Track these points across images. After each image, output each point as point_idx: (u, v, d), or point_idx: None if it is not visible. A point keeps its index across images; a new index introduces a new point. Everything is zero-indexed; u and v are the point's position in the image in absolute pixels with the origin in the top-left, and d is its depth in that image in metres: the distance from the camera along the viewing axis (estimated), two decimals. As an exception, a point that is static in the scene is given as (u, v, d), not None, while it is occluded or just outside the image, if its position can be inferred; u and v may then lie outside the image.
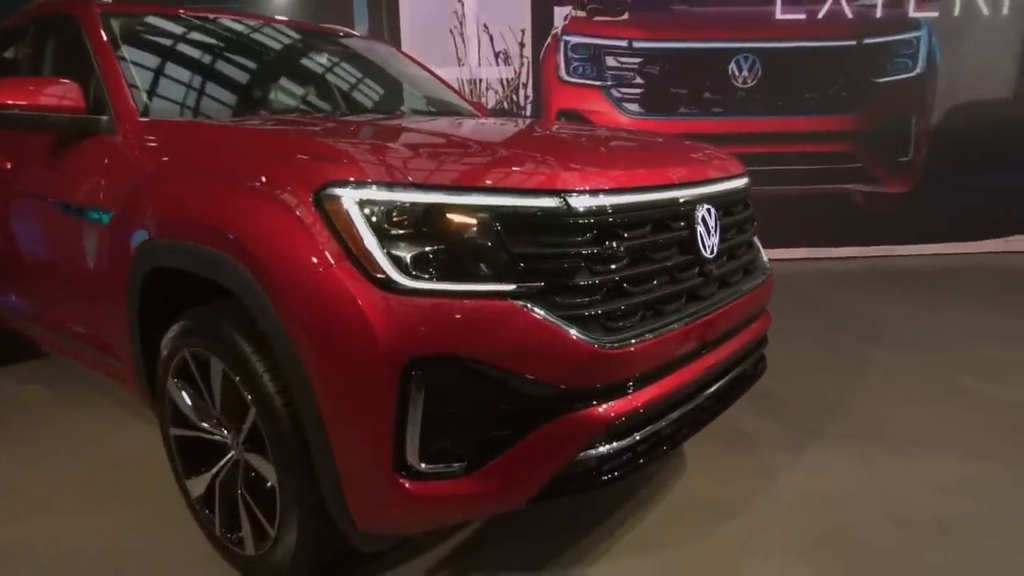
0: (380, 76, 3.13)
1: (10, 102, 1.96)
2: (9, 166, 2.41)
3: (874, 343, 3.72)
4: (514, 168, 1.45)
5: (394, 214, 1.34)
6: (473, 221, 1.35)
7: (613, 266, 1.47)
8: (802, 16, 5.82)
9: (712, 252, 1.73)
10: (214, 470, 1.76)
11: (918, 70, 5.87)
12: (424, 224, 1.35)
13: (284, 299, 1.36)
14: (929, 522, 2.00)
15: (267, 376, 1.49)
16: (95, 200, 1.93)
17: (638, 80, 5.78)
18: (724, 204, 1.85)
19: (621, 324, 1.46)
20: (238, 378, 1.54)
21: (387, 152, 1.49)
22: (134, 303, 1.83)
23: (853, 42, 5.82)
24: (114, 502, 2.16)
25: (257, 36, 2.65)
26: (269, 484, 1.60)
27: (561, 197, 1.40)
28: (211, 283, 1.60)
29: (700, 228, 1.70)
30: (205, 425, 1.76)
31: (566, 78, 5.77)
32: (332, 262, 1.33)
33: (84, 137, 2.04)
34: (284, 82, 2.68)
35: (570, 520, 2.01)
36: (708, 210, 1.74)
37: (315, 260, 1.34)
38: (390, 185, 1.35)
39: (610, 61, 5.75)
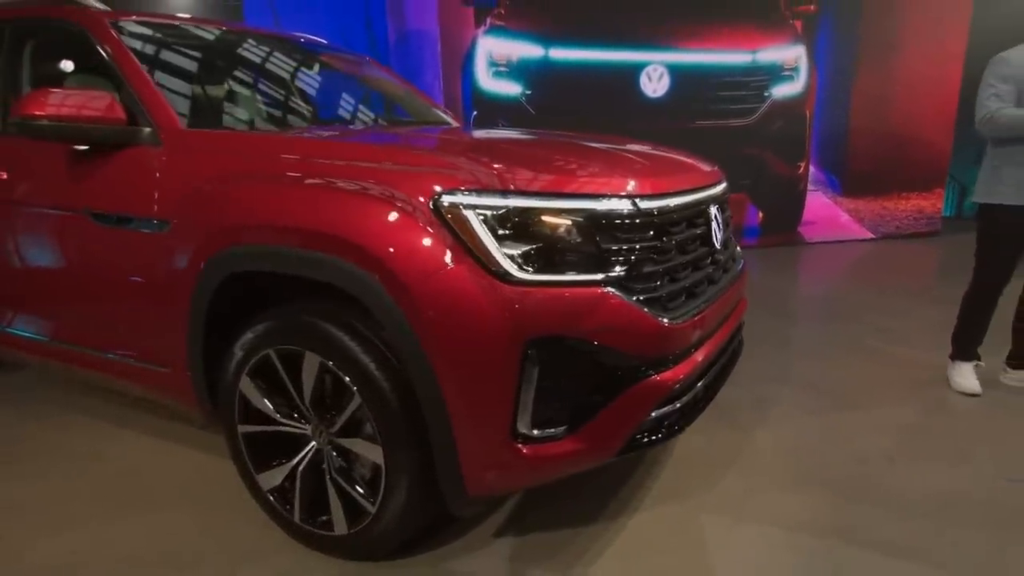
0: (391, 91, 3.26)
1: (40, 113, 1.95)
2: (14, 177, 2.34)
3: (790, 318, 4.32)
4: (595, 176, 1.71)
5: (505, 217, 1.56)
6: (570, 221, 1.60)
7: (667, 255, 1.77)
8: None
9: (720, 244, 2.08)
10: (294, 460, 1.88)
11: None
12: (530, 225, 1.58)
13: (410, 295, 1.53)
14: (880, 456, 2.48)
15: (374, 365, 1.65)
16: (147, 211, 1.95)
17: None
18: (721, 203, 2.21)
19: (674, 304, 1.77)
20: (339, 369, 1.69)
21: (489, 162, 1.69)
22: (200, 309, 1.89)
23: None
24: (154, 506, 2.18)
25: (263, 49, 2.71)
26: (368, 464, 1.76)
27: (633, 200, 1.68)
28: (292, 283, 1.74)
29: (713, 224, 2.04)
30: (284, 419, 1.87)
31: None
32: (454, 261, 1.53)
33: (117, 148, 2.05)
34: (295, 95, 2.75)
35: (599, 485, 2.30)
36: (717, 208, 2.09)
37: (439, 259, 1.53)
38: (501, 192, 1.57)
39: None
